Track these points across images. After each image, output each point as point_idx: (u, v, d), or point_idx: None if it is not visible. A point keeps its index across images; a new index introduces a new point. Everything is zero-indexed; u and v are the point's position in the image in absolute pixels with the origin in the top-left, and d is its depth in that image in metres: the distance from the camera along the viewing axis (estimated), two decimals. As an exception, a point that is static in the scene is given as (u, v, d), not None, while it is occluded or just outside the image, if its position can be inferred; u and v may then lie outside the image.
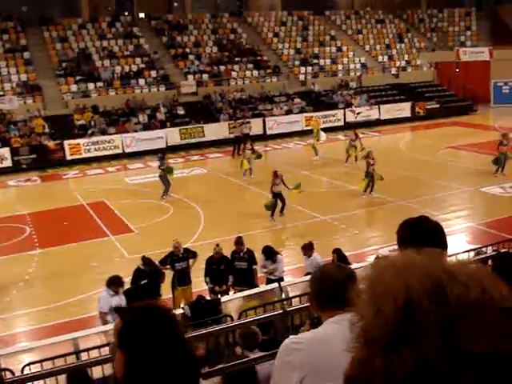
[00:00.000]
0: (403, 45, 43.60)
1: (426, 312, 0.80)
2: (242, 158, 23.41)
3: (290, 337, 2.52)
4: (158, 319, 1.79)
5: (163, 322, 1.79)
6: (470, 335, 0.79)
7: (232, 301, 9.97)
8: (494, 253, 8.89)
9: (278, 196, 17.31)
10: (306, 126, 32.40)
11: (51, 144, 28.00)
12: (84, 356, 7.31)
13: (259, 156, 23.18)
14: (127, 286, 10.66)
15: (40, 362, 7.26)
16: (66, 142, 28.09)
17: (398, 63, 41.29)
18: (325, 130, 32.22)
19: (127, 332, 1.78)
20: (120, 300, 9.41)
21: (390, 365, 0.81)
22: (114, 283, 9.60)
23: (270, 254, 11.30)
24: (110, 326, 8.63)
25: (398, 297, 0.82)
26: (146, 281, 10.32)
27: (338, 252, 10.86)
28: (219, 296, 10.48)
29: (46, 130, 28.87)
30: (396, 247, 2.68)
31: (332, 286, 2.40)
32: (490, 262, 6.00)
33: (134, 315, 1.85)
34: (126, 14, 40.50)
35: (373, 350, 0.83)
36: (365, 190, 19.06)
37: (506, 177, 20.50)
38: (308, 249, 11.12)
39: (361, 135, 28.24)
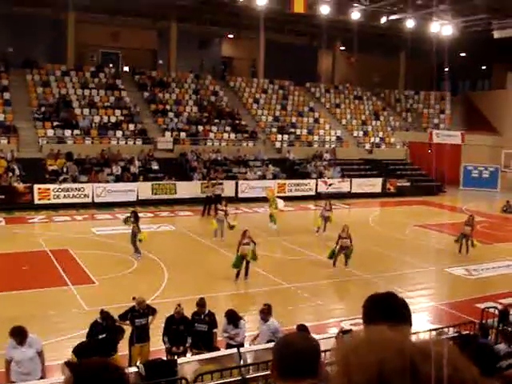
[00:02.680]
0: (379, 122, 44.74)
1: None
2: (212, 217, 23.25)
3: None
4: (110, 378, 1.72)
5: (114, 382, 1.72)
6: None
7: (189, 363, 9.73)
8: (456, 334, 8.90)
9: (243, 258, 17.25)
10: (279, 192, 32.69)
11: (20, 186, 27.69)
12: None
13: (232, 227, 22.09)
14: (74, 338, 10.38)
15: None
16: (36, 186, 27.82)
17: (372, 139, 42.24)
18: (296, 198, 32.69)
19: None
20: (22, 352, 9.04)
21: None
22: (15, 334, 9.10)
23: (233, 318, 11.10)
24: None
25: (371, 371, 0.81)
26: (104, 335, 10.03)
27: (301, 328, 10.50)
28: (176, 357, 10.23)
29: (17, 172, 28.56)
30: (359, 321, 2.66)
31: (295, 356, 2.35)
32: (455, 345, 5.97)
33: (86, 372, 1.75)
34: (111, 65, 41.00)
35: None
36: (334, 263, 19.08)
37: (469, 258, 20.88)
38: (266, 313, 10.96)
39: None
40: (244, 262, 17.31)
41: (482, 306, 13.66)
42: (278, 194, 32.33)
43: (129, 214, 20.39)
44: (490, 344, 9.20)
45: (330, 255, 19.11)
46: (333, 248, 19.12)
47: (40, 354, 9.31)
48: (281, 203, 26.14)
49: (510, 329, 10.57)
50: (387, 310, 2.50)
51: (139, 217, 20.43)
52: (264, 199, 30.40)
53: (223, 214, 22.59)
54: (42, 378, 9.13)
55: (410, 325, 2.62)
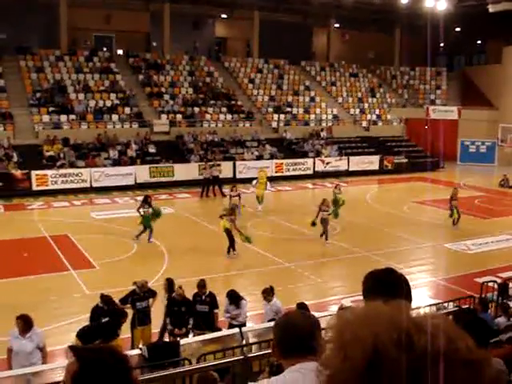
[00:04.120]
0: (375, 99, 44.58)
1: (393, 360, 0.81)
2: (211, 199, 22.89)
3: (250, 383, 2.48)
4: (116, 365, 1.72)
5: (120, 368, 1.72)
6: (435, 383, 0.81)
7: (191, 344, 9.80)
8: (455, 308, 8.96)
9: (226, 232, 17.73)
10: (276, 172, 32.78)
11: (18, 173, 27.65)
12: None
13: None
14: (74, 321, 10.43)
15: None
16: (34, 173, 27.77)
17: (368, 117, 42.14)
18: (294, 178, 32.76)
19: (83, 375, 1.68)
20: (21, 345, 8.95)
21: None
22: (20, 319, 9.00)
23: (235, 298, 11.18)
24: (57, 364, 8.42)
25: (366, 344, 0.83)
26: (107, 319, 10.08)
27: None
28: (178, 338, 10.31)
29: (15, 159, 28.50)
30: (360, 297, 2.69)
31: (296, 334, 2.39)
32: (450, 317, 6.02)
33: (92, 358, 1.73)
34: (105, 49, 40.72)
35: None
36: (321, 235, 19.56)
37: (460, 230, 21.52)
38: (269, 293, 11.04)
39: (328, 185, 28.70)
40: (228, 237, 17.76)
41: (481, 280, 13.76)
42: (277, 174, 32.50)
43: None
44: (487, 318, 9.28)
45: (312, 223, 19.47)
46: (313, 219, 19.39)
47: (42, 349, 9.24)
48: (268, 185, 26.11)
49: (510, 303, 10.66)
50: (387, 285, 2.53)
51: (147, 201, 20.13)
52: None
53: (237, 199, 22.37)
54: None
55: (410, 300, 2.65)
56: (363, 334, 0.85)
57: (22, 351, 8.95)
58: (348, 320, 0.90)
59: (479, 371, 0.83)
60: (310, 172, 34.32)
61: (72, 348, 1.82)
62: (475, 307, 10.24)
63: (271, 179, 31.38)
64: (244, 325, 10.90)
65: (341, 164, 35.44)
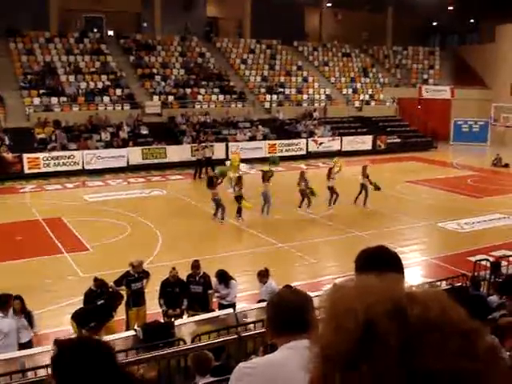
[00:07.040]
0: (368, 79, 44.46)
1: (386, 330, 0.81)
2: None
3: (243, 362, 2.48)
4: (92, 353, 1.84)
5: (98, 355, 1.83)
6: (428, 353, 0.81)
7: (186, 325, 9.84)
8: (448, 287, 9.02)
9: (238, 198, 19.59)
10: (269, 152, 32.72)
11: (9, 156, 27.49)
12: (30, 375, 7.12)
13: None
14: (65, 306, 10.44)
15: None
16: (25, 156, 27.63)
17: (361, 97, 42.04)
18: (287, 158, 32.70)
19: (60, 362, 1.85)
20: (9, 323, 8.85)
21: (349, 381, 0.81)
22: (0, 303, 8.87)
23: (224, 278, 11.23)
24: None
25: (359, 315, 0.83)
26: (102, 301, 10.07)
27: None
28: (173, 319, 10.34)
29: (6, 142, 28.33)
30: (353, 277, 2.68)
31: (288, 312, 2.38)
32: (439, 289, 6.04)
33: (69, 347, 1.89)
34: (95, 30, 40.36)
35: (332, 367, 0.83)
36: (299, 205, 20.85)
37: (453, 209, 21.38)
38: (264, 275, 11.07)
39: (321, 165, 28.74)
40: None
41: (473, 258, 13.83)
42: (270, 155, 32.40)
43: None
44: (482, 295, 9.35)
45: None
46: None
47: None
48: (245, 167, 25.95)
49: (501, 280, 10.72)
50: (379, 262, 2.52)
51: (213, 181, 20.07)
52: (254, 160, 30.38)
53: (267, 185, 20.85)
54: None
55: (403, 276, 2.65)
56: (355, 306, 0.84)
57: (11, 330, 8.86)
58: (340, 293, 0.89)
59: (473, 342, 0.83)
60: (304, 152, 34.31)
61: (55, 341, 2.01)
62: (467, 285, 10.31)
63: (264, 160, 31.34)
64: (234, 305, 10.97)
65: (334, 144, 35.43)
